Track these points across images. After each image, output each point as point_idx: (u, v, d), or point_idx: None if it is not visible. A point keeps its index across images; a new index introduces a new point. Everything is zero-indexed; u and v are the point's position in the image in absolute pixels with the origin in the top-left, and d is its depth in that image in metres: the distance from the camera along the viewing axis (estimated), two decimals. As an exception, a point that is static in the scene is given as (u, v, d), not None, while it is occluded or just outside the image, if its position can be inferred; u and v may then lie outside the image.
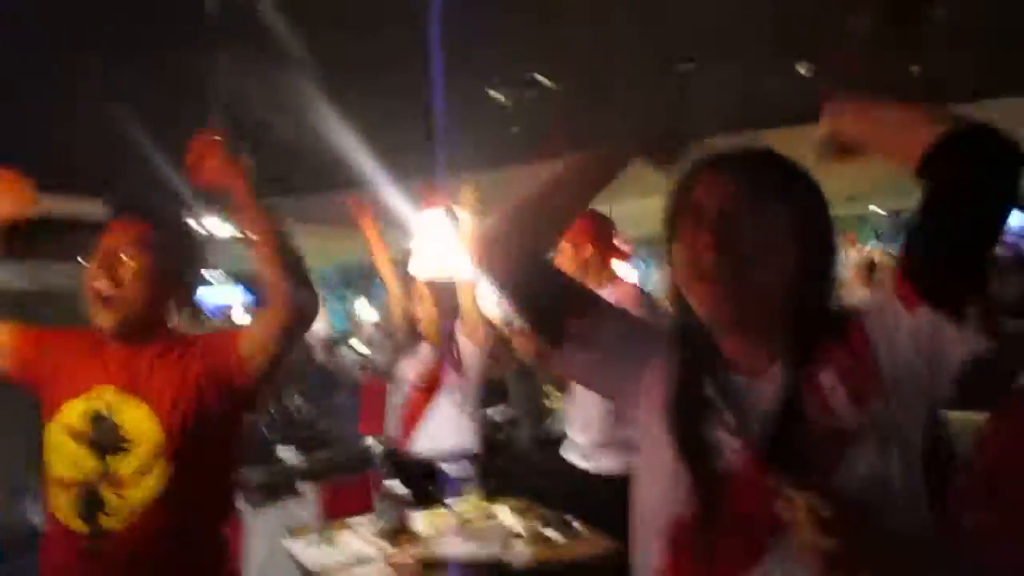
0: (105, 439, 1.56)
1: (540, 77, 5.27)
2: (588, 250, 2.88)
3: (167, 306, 1.68)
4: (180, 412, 1.57)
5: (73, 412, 1.60)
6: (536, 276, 1.19)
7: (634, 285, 2.95)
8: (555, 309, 1.19)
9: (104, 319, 1.60)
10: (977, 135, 0.92)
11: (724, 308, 1.04)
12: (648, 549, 1.10)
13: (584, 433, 2.83)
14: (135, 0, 3.56)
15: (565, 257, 2.88)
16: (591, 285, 2.94)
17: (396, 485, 2.70)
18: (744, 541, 1.01)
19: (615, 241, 2.93)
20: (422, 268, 2.82)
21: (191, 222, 1.77)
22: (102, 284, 1.59)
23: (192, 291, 1.75)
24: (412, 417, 3.36)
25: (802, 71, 5.02)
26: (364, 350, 10.17)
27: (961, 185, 0.91)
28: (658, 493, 1.09)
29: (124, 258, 1.60)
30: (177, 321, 1.72)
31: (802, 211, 1.05)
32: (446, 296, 3.27)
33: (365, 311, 11.31)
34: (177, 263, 1.69)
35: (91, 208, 4.90)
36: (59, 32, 3.75)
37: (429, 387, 3.33)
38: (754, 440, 1.02)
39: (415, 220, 2.90)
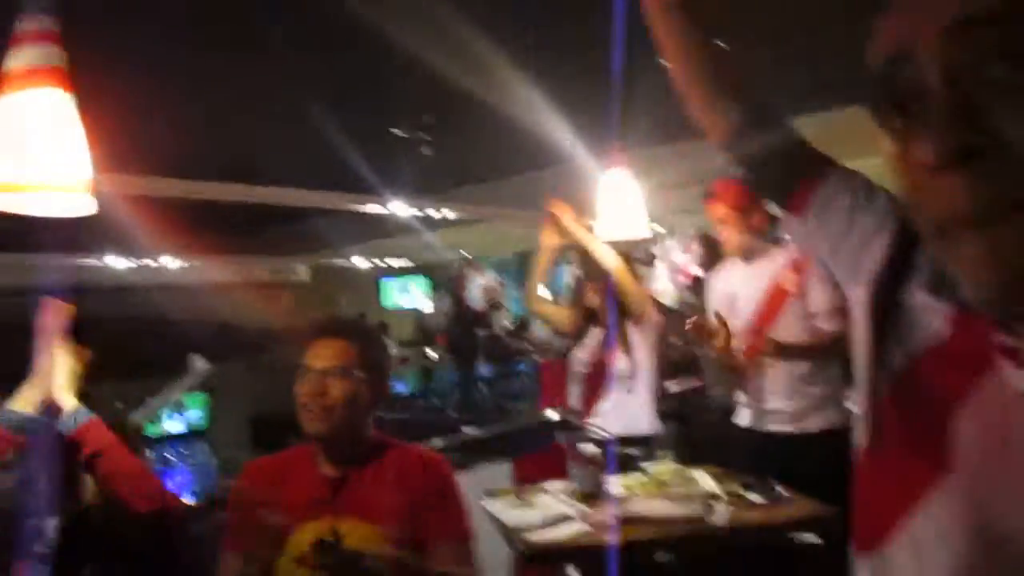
0: (339, 565, 1.65)
1: (720, 44, 5.11)
2: (760, 218, 2.88)
3: (370, 417, 1.84)
4: (406, 528, 1.70)
5: (302, 542, 1.70)
6: (769, 128, 1.11)
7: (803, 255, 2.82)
8: (790, 168, 1.10)
9: (315, 428, 1.76)
10: None
11: (969, 203, 0.87)
12: (861, 426, 1.00)
13: (790, 399, 2.84)
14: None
15: (733, 227, 2.91)
16: (759, 250, 2.93)
17: (592, 448, 2.68)
18: (957, 420, 0.86)
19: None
20: (607, 230, 2.81)
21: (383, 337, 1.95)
22: (312, 402, 1.75)
23: (386, 398, 1.91)
24: (586, 405, 3.36)
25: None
26: (543, 333, 10.28)
27: None
28: (863, 371, 0.99)
29: (329, 377, 1.76)
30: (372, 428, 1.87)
31: None
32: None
33: (546, 295, 11.41)
34: (376, 377, 1.83)
35: (292, 197, 5.22)
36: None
37: (599, 373, 3.31)
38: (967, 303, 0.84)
39: (600, 182, 2.88)
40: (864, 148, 1.21)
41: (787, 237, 2.89)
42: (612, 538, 2.21)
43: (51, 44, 1.36)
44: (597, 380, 3.31)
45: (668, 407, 3.70)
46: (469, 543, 1.79)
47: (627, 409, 3.26)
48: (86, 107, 1.40)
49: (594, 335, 3.38)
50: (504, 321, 11.34)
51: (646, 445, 3.23)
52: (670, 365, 4.98)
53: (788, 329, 2.83)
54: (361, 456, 1.80)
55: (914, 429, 0.94)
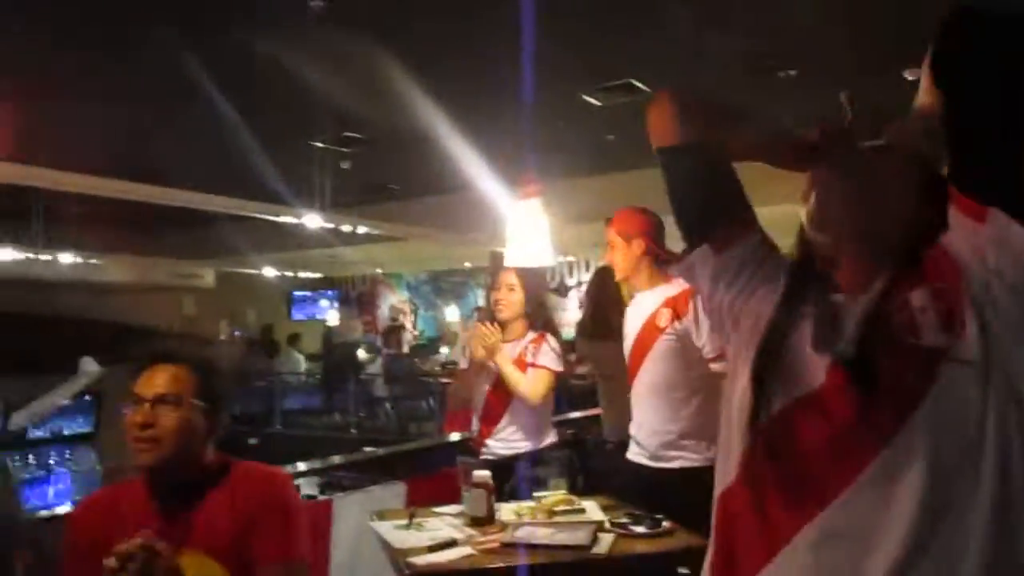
0: None
1: (636, 82, 5.25)
2: (640, 247, 2.85)
3: (208, 445, 1.74)
4: (241, 553, 1.63)
5: None
6: (716, 163, 1.20)
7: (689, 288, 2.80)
8: (718, 206, 1.20)
9: (144, 458, 1.65)
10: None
11: (854, 215, 1.08)
12: (725, 469, 1.12)
13: (652, 435, 2.83)
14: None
15: (616, 251, 2.88)
16: (641, 281, 2.91)
17: (485, 475, 2.70)
18: (826, 464, 1.00)
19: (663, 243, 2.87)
20: (515, 256, 2.85)
21: (224, 360, 1.78)
22: (141, 430, 1.64)
23: (225, 423, 1.79)
24: (490, 419, 3.36)
25: (909, 78, 4.88)
26: (452, 356, 10.28)
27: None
28: (737, 413, 1.11)
29: (160, 404, 1.65)
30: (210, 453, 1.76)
31: (922, 178, 1.09)
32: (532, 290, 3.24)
33: (454, 317, 11.43)
34: (212, 403, 1.73)
35: (204, 202, 5.11)
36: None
37: (498, 397, 3.33)
38: (839, 354, 1.02)
39: (511, 211, 2.94)
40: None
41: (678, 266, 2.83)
42: (497, 564, 2.24)
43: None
44: (501, 396, 3.31)
45: (565, 435, 3.75)
46: (299, 564, 1.70)
47: (528, 427, 3.28)
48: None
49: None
50: (407, 340, 11.29)
51: (540, 460, 3.24)
52: (567, 392, 5.05)
53: (657, 365, 2.81)
54: (197, 483, 1.69)
55: (784, 468, 1.03)
